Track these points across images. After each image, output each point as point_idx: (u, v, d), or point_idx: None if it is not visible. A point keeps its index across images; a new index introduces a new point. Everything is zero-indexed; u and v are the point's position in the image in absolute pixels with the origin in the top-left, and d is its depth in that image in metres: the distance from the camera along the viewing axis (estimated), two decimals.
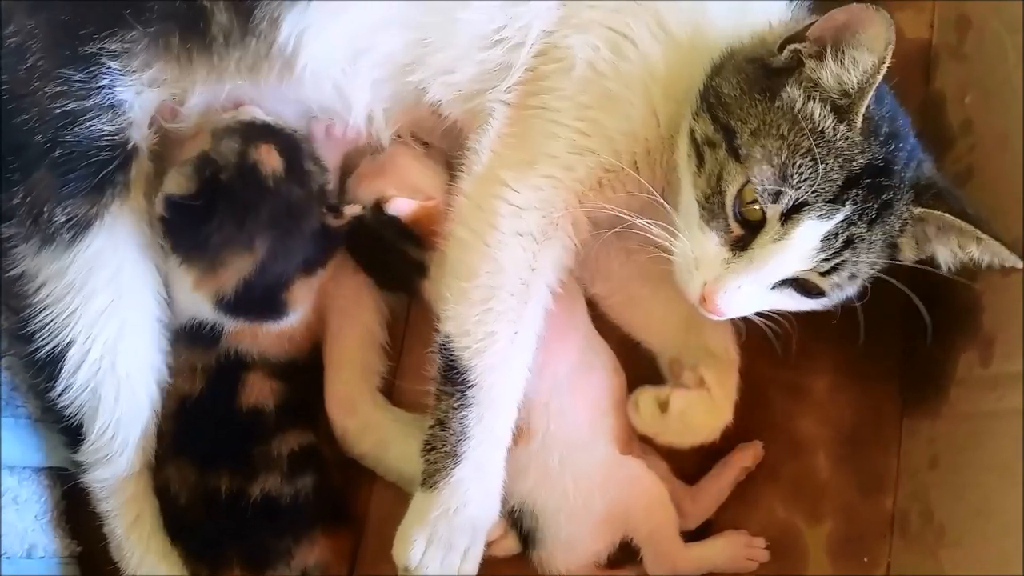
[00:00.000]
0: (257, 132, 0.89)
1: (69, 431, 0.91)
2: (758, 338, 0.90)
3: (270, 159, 0.87)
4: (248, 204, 0.87)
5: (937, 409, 0.94)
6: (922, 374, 0.98)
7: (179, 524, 0.92)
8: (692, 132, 0.82)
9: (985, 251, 0.80)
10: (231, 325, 0.92)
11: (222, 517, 0.90)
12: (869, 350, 0.91)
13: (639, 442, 0.95)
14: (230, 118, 0.90)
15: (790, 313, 0.87)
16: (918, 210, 0.81)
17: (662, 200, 0.84)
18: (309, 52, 0.88)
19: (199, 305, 0.91)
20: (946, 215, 0.80)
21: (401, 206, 0.90)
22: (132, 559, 0.92)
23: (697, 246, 0.81)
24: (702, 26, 0.85)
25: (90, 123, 0.86)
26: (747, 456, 0.96)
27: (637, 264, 0.93)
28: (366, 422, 0.97)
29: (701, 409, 0.91)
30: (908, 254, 0.83)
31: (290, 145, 0.89)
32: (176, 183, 0.88)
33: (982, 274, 0.83)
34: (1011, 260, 0.79)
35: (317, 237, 0.90)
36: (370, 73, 0.91)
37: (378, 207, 0.92)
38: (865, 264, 0.80)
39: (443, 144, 0.98)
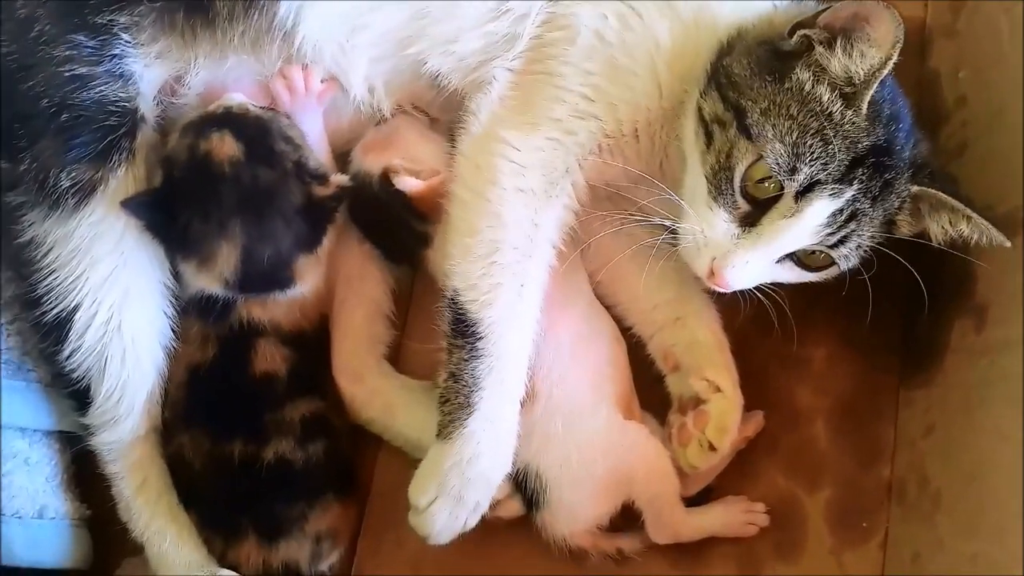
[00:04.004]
0: (211, 122, 0.89)
1: (77, 395, 0.92)
2: (756, 310, 0.91)
3: (222, 146, 0.88)
4: (205, 194, 0.88)
5: (933, 377, 0.96)
6: (919, 344, 0.99)
7: (193, 491, 0.93)
8: (700, 110, 0.84)
9: (975, 229, 0.82)
10: (241, 298, 0.93)
11: (236, 482, 0.91)
12: (867, 321, 0.91)
13: (640, 409, 0.96)
14: (196, 113, 0.91)
15: (789, 285, 0.88)
16: (915, 188, 0.84)
17: (651, 177, 0.85)
18: (307, 27, 0.90)
19: (207, 285, 0.92)
20: (940, 194, 0.83)
21: (408, 184, 0.91)
22: (140, 521, 0.93)
23: (705, 222, 0.83)
24: (708, 5, 0.87)
25: (99, 88, 0.88)
26: (748, 426, 0.96)
27: (624, 241, 0.94)
28: (372, 389, 0.98)
29: (728, 416, 0.92)
30: (904, 230, 0.86)
31: (253, 129, 0.90)
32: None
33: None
34: (999, 239, 0.82)
35: (303, 212, 0.91)
36: (367, 46, 0.92)
37: (385, 178, 0.93)
38: (866, 239, 0.83)
39: (443, 115, 0.99)
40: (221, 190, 0.88)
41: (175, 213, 0.89)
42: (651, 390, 0.99)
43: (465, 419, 0.85)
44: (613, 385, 0.94)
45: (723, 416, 0.92)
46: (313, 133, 0.97)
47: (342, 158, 1.01)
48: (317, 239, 0.93)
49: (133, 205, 0.88)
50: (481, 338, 0.86)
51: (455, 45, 0.91)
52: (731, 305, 0.94)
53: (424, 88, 0.95)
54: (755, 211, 0.82)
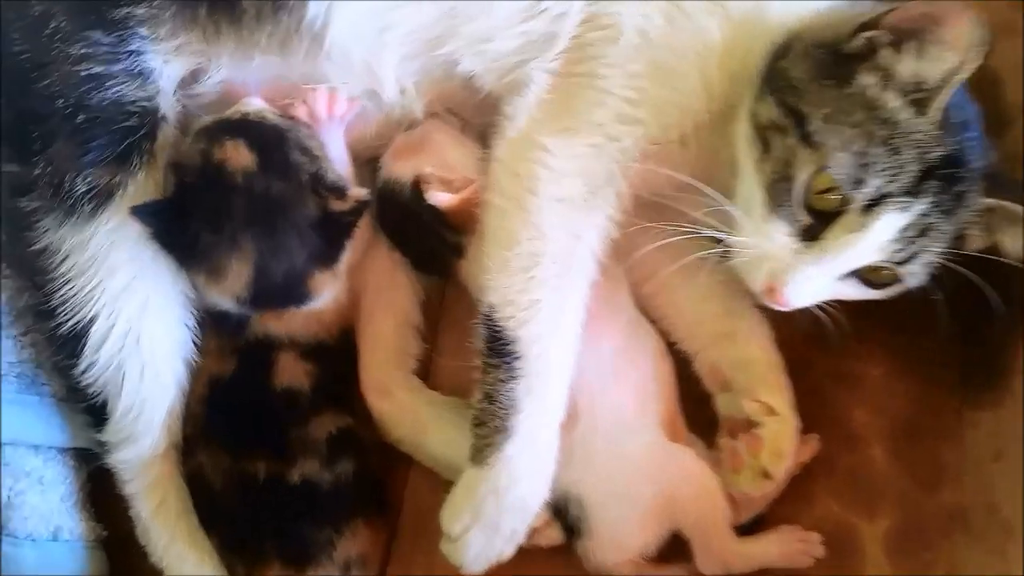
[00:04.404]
0: (226, 128, 0.86)
1: (93, 411, 0.89)
2: (809, 325, 0.86)
3: (237, 155, 0.84)
4: (218, 204, 0.84)
5: (1001, 399, 0.89)
6: (983, 363, 0.93)
7: (215, 513, 0.89)
8: (754, 116, 0.80)
9: None
10: (256, 314, 0.89)
11: (259, 503, 0.87)
12: (926, 337, 0.87)
13: (687, 430, 0.91)
14: (211, 118, 0.88)
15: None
16: (988, 201, 0.79)
17: (702, 184, 0.81)
18: (336, 27, 0.86)
19: (219, 300, 0.88)
20: (1015, 206, 0.78)
21: (440, 199, 0.87)
22: (159, 544, 0.89)
23: (763, 235, 0.78)
24: (760, 4, 0.83)
25: (117, 88, 0.84)
26: (803, 451, 0.91)
27: (669, 252, 0.88)
28: (402, 405, 0.94)
29: (783, 440, 0.87)
30: (975, 244, 0.81)
31: (268, 137, 0.86)
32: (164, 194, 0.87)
33: None
34: None
35: (318, 226, 0.86)
36: (397, 45, 0.88)
37: (416, 186, 0.89)
38: (935, 255, 0.78)
39: (477, 118, 0.94)
40: (233, 201, 0.84)
41: (185, 223, 0.85)
42: (696, 410, 0.93)
43: (502, 443, 0.81)
44: (658, 404, 0.89)
45: (778, 441, 0.87)
46: (334, 148, 0.92)
47: (370, 164, 0.96)
48: (334, 254, 0.89)
49: (143, 212, 0.84)
50: (519, 357, 0.81)
51: (489, 45, 0.86)
52: (783, 320, 0.89)
53: (457, 90, 0.91)
54: (817, 224, 0.77)
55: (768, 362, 0.91)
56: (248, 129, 0.86)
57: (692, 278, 0.89)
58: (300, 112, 0.90)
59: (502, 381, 0.81)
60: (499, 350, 0.82)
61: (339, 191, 0.88)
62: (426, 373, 0.99)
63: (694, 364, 0.94)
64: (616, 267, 0.90)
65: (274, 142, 0.86)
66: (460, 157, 0.91)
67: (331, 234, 0.88)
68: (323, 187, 0.87)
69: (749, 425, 0.88)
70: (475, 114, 0.93)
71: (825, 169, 0.75)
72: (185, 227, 0.84)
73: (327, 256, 0.88)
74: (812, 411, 0.92)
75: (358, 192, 0.89)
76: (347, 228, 0.89)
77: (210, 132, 0.86)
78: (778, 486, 0.89)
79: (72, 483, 0.93)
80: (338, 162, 0.92)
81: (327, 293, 0.90)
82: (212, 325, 0.90)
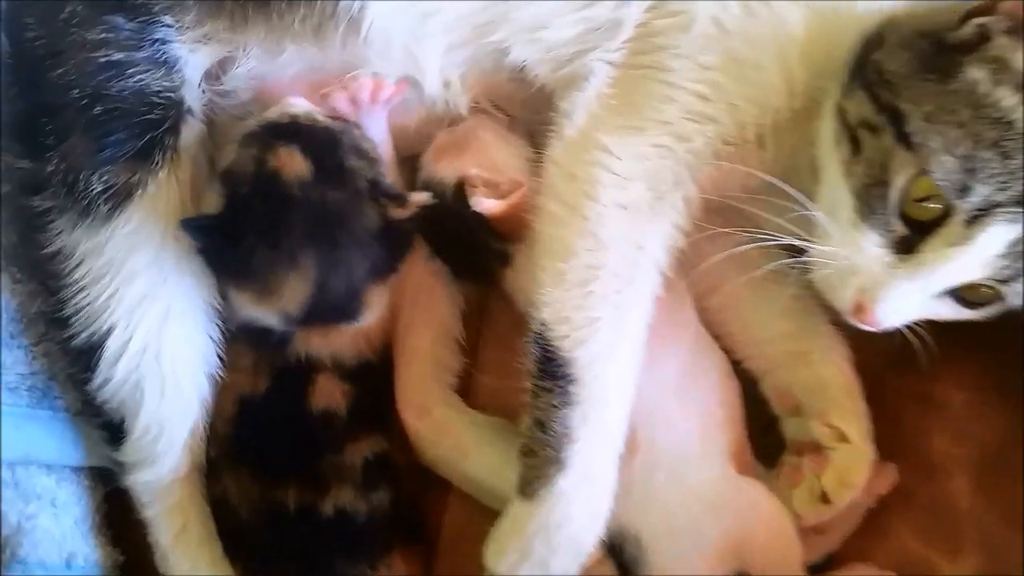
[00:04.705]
0: (278, 133, 0.79)
1: (110, 427, 0.83)
2: (884, 343, 0.78)
3: (292, 163, 0.78)
4: (276, 218, 0.77)
5: None
6: None
7: (240, 542, 0.83)
8: (843, 113, 0.73)
9: None
10: (300, 331, 0.83)
11: (289, 534, 0.80)
12: (1014, 357, 0.81)
13: (755, 460, 0.84)
14: (256, 120, 0.82)
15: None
16: None
17: (787, 186, 0.74)
18: (375, 11, 0.80)
19: (263, 316, 0.82)
20: None
21: (486, 204, 0.81)
22: (179, 573, 0.84)
23: (851, 246, 0.71)
24: None
25: (139, 77, 0.79)
26: (879, 482, 0.84)
27: (737, 262, 0.82)
28: (440, 425, 0.87)
29: (853, 469, 0.80)
30: None
31: (321, 142, 0.80)
32: (208, 203, 0.81)
33: None
34: None
35: (380, 237, 0.80)
36: (442, 33, 0.82)
37: (459, 189, 0.83)
38: None
39: (525, 113, 0.88)
40: (292, 214, 0.78)
41: (238, 238, 0.78)
42: (760, 435, 0.86)
43: (554, 476, 0.74)
44: (725, 432, 0.81)
45: (848, 468, 0.80)
46: (376, 137, 0.86)
47: (408, 162, 0.90)
48: (393, 266, 0.83)
49: (194, 227, 0.78)
50: (574, 381, 0.74)
51: (544, 32, 0.80)
52: (858, 337, 0.82)
53: (506, 82, 0.84)
54: (914, 235, 0.69)
55: (844, 386, 0.84)
56: (301, 133, 0.80)
57: (762, 291, 0.83)
58: (339, 99, 0.83)
59: (555, 407, 0.75)
60: (552, 372, 0.75)
61: (399, 197, 0.82)
62: (465, 390, 0.92)
63: (761, 385, 0.87)
64: (679, 279, 0.82)
65: (329, 147, 0.80)
66: (508, 158, 0.85)
67: (392, 244, 0.82)
68: (382, 193, 0.81)
69: (818, 449, 0.82)
70: (525, 111, 0.87)
71: (925, 174, 0.67)
72: (237, 242, 0.78)
73: (386, 268, 0.82)
74: (888, 437, 0.85)
75: (419, 197, 0.82)
76: (408, 237, 0.83)
77: (260, 137, 0.80)
78: (846, 517, 0.83)
79: (87, 505, 0.87)
80: (381, 154, 0.86)
81: (378, 307, 0.84)
82: (247, 339, 0.84)
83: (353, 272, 0.80)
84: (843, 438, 0.81)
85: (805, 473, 0.80)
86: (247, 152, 0.79)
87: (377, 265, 0.81)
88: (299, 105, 0.82)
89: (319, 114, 0.82)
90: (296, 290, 0.78)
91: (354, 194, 0.79)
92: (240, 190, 0.79)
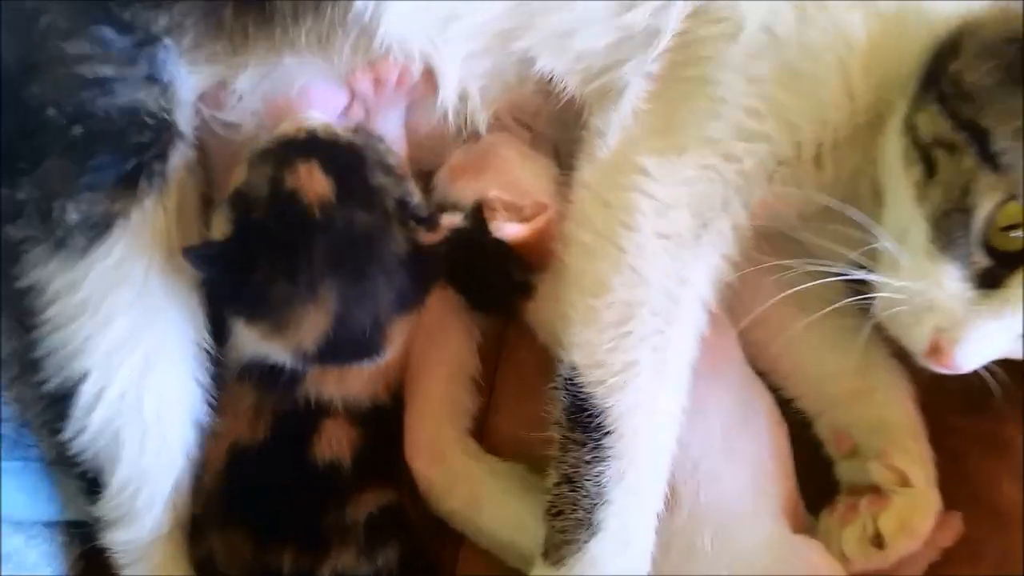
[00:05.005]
0: (295, 149, 0.72)
1: (86, 479, 0.76)
2: (947, 380, 0.71)
3: (312, 182, 0.70)
4: (294, 244, 0.70)
5: None
6: None
7: None
8: (913, 129, 0.66)
9: None
10: (316, 370, 0.75)
11: None
12: None
13: (806, 512, 0.77)
14: (269, 137, 0.75)
15: None
16: None
17: (856, 211, 0.67)
18: (389, 18, 0.73)
19: (274, 353, 0.74)
20: None
21: (508, 230, 0.74)
22: None
23: (927, 280, 0.64)
24: None
25: (128, 94, 0.72)
26: (945, 533, 0.76)
27: (788, 294, 0.74)
28: (455, 473, 0.79)
29: (915, 516, 0.74)
30: None
31: (344, 158, 0.72)
32: (216, 229, 0.74)
33: None
34: None
35: (407, 265, 0.73)
36: (462, 40, 0.75)
37: (479, 212, 0.75)
38: None
39: (553, 132, 0.81)
40: (312, 240, 0.70)
41: (249, 267, 0.70)
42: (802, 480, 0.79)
43: (585, 541, 0.67)
44: (777, 485, 0.74)
45: (908, 515, 0.74)
46: (392, 135, 0.79)
47: (420, 181, 0.81)
48: (421, 297, 0.75)
49: (198, 256, 0.70)
50: (609, 433, 0.67)
51: (573, 40, 0.73)
52: (920, 373, 0.75)
53: (531, 95, 0.78)
54: (999, 268, 0.62)
55: (908, 427, 0.77)
56: (320, 149, 0.72)
57: (817, 322, 0.74)
58: (362, 81, 0.76)
59: (587, 463, 0.67)
60: (584, 423, 0.68)
61: (429, 220, 0.74)
62: (480, 433, 0.83)
63: (815, 426, 0.80)
64: (723, 313, 0.75)
65: (353, 163, 0.73)
66: (532, 178, 0.78)
67: (420, 273, 0.74)
68: (411, 215, 0.74)
69: (878, 492, 0.75)
70: (551, 127, 0.81)
71: (1014, 199, 0.61)
72: (248, 272, 0.70)
73: (413, 299, 0.75)
74: (952, 484, 0.78)
75: (451, 220, 0.75)
76: (437, 265, 0.75)
77: (276, 154, 0.72)
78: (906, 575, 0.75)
79: (61, 565, 0.79)
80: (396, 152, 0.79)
81: (399, 342, 0.76)
82: (249, 381, 0.76)
83: (378, 304, 0.72)
84: (906, 482, 0.75)
85: (861, 511, 0.74)
86: (261, 171, 0.71)
87: (403, 296, 0.73)
88: (316, 118, 0.74)
89: (339, 128, 0.75)
90: (314, 324, 0.71)
91: (382, 216, 0.72)
92: (252, 213, 0.71)
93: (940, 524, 0.76)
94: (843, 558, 0.73)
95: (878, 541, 0.73)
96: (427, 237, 0.73)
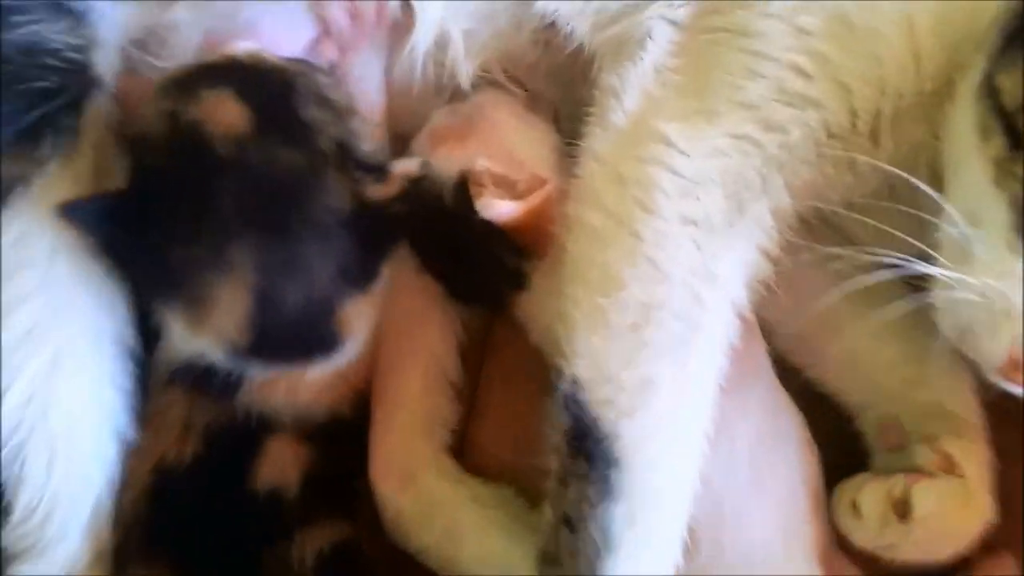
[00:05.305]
0: (204, 75, 0.62)
1: None
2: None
3: (221, 112, 0.59)
4: (193, 195, 0.59)
5: None
6: None
7: None
8: (996, 94, 0.57)
9: None
10: (259, 373, 0.64)
11: None
12: None
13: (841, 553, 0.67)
14: (179, 66, 0.65)
15: None
16: None
17: (932, 191, 0.57)
18: None
19: (206, 347, 0.63)
20: None
21: (499, 208, 0.65)
22: None
23: (1007, 278, 0.55)
24: None
25: (29, 27, 0.62)
26: (991, 567, 0.68)
27: (830, 274, 0.67)
28: (429, 500, 0.70)
29: (956, 505, 0.66)
30: None
31: (270, 85, 0.62)
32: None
33: None
34: None
35: (351, 227, 0.61)
36: None
37: (463, 185, 0.66)
38: None
39: (551, 89, 0.73)
40: (218, 187, 0.58)
41: (146, 227, 0.60)
42: None
43: None
44: (811, 522, 0.64)
45: (950, 500, 0.66)
46: (371, 81, 0.71)
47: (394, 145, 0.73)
48: (374, 269, 0.64)
49: (79, 213, 0.60)
50: (618, 465, 0.57)
51: None
52: None
53: (527, 45, 0.70)
54: None
55: (966, 419, 0.69)
56: (236, 74, 0.62)
57: (864, 307, 0.66)
58: (335, 9, 0.67)
59: (591, 502, 0.57)
60: (588, 451, 0.58)
61: (378, 169, 0.63)
62: (457, 446, 0.74)
63: (857, 420, 0.72)
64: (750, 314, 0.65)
65: (279, 91, 0.62)
66: (528, 146, 0.70)
67: (369, 237, 0.62)
68: (355, 161, 0.62)
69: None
70: (553, 85, 0.73)
71: None
72: (145, 235, 0.60)
73: (364, 273, 0.63)
74: (1003, 521, 0.68)
75: (407, 167, 0.64)
76: (393, 228, 0.65)
77: (180, 84, 0.62)
78: None
79: None
80: (373, 103, 0.71)
81: (361, 332, 0.65)
82: (181, 385, 0.66)
83: (314, 276, 0.60)
84: (952, 467, 0.67)
85: (892, 480, 0.66)
86: (160, 107, 0.61)
87: (347, 267, 0.61)
88: (243, 46, 0.64)
89: (269, 54, 0.64)
90: (232, 300, 0.59)
91: (314, 158, 0.60)
92: (149, 160, 0.60)
93: (991, 565, 0.67)
94: (850, 523, 0.66)
95: (902, 509, 0.65)
96: (376, 191, 0.61)
